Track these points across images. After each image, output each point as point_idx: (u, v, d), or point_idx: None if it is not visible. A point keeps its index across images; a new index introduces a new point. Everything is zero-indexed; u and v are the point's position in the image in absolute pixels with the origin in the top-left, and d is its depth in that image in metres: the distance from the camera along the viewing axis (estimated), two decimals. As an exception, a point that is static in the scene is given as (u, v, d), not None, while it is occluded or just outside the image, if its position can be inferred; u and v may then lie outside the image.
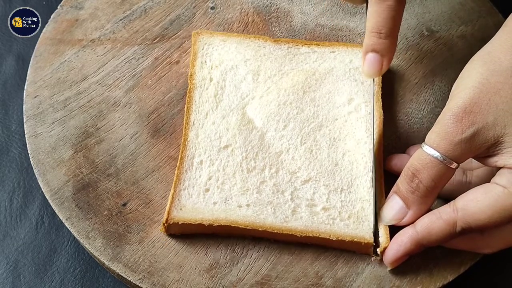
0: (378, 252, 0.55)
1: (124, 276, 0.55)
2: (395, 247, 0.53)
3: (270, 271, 0.55)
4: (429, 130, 0.63)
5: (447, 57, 0.68)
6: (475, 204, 0.50)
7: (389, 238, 0.54)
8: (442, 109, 0.65)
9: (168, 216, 0.55)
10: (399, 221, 0.54)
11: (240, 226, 0.55)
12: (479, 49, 0.69)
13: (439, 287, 0.55)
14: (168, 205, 0.56)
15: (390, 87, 0.66)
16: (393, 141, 0.62)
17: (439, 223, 0.52)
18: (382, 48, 0.57)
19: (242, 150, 0.59)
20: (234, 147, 0.59)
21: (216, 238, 0.56)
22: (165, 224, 0.55)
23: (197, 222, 0.55)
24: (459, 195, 0.52)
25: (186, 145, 0.59)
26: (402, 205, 0.54)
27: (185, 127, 0.60)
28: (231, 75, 0.64)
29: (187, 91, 0.63)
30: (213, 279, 0.55)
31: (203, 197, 0.57)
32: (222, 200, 0.56)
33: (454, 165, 0.51)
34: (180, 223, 0.55)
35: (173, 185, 0.57)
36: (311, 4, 0.71)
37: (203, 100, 0.62)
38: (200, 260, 0.55)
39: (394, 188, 0.55)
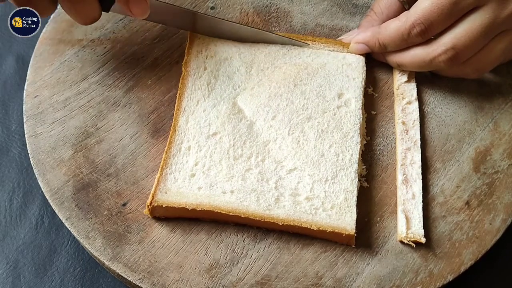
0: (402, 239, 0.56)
1: (124, 276, 0.55)
2: (358, 35, 0.65)
3: (270, 271, 0.55)
4: (428, 131, 0.64)
5: (447, 57, 0.68)
6: (421, 2, 0.60)
7: (407, 230, 0.56)
8: (443, 110, 0.65)
9: (152, 199, 0.56)
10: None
11: (223, 212, 0.55)
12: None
13: (439, 287, 0.55)
14: (153, 188, 0.57)
15: (390, 87, 0.66)
16: (393, 141, 0.62)
17: (396, 21, 0.62)
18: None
19: (230, 138, 0.60)
20: (222, 134, 0.60)
21: (216, 238, 0.56)
22: (149, 207, 0.56)
23: (180, 206, 0.55)
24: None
25: (175, 130, 0.60)
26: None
27: (175, 113, 0.61)
28: (225, 66, 0.64)
29: (181, 78, 0.63)
30: (213, 279, 0.55)
31: (189, 181, 0.57)
32: (207, 185, 0.57)
33: None
34: (164, 206, 0.56)
35: (159, 168, 0.58)
36: (311, 4, 0.71)
37: (195, 88, 0.63)
38: (200, 260, 0.55)
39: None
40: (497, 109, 0.65)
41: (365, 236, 0.57)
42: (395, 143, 0.62)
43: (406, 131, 0.62)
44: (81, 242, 0.56)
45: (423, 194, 0.59)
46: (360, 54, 0.65)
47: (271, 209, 0.56)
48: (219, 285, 0.54)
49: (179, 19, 0.66)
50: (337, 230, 0.55)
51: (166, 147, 0.59)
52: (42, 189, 0.59)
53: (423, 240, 0.56)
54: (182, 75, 0.63)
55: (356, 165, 0.59)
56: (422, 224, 0.57)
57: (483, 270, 0.60)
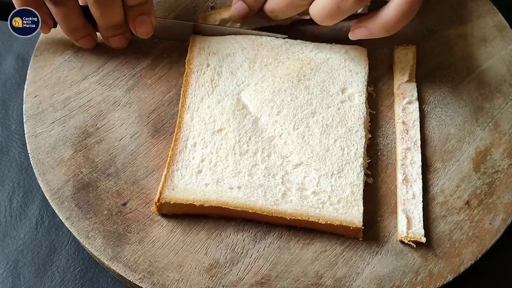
0: (402, 239, 0.56)
1: (124, 275, 0.55)
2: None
3: (270, 271, 0.55)
4: (428, 130, 0.64)
5: (447, 57, 0.68)
6: None
7: (407, 229, 0.56)
8: (443, 110, 0.65)
9: (160, 196, 0.56)
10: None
11: (231, 208, 0.56)
12: (479, 49, 0.70)
13: (439, 287, 0.55)
14: (160, 185, 0.57)
15: (390, 87, 0.66)
16: (393, 140, 0.62)
17: None
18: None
19: (236, 134, 0.60)
20: (227, 130, 0.60)
21: (216, 238, 0.56)
22: (157, 204, 0.56)
23: (188, 203, 0.56)
24: None
25: (180, 127, 0.60)
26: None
27: (180, 110, 0.61)
28: (228, 62, 0.65)
29: (184, 75, 0.64)
30: (213, 279, 0.55)
31: (195, 178, 0.57)
32: (214, 181, 0.57)
33: None
34: (171, 202, 0.56)
35: (166, 165, 0.58)
36: (311, 4, 0.71)
37: (199, 85, 0.63)
38: (200, 260, 0.55)
39: None
40: (497, 109, 0.65)
41: (365, 236, 0.57)
42: (395, 143, 0.62)
43: (406, 131, 0.62)
44: (81, 242, 0.56)
45: (423, 194, 0.59)
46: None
47: (279, 204, 0.56)
48: (219, 285, 0.54)
49: (179, 32, 0.66)
50: (344, 224, 0.55)
51: (172, 144, 0.59)
52: (42, 189, 0.59)
53: (424, 239, 0.56)
54: (185, 72, 0.64)
55: (362, 159, 0.59)
56: (422, 224, 0.57)
57: (483, 270, 0.60)
